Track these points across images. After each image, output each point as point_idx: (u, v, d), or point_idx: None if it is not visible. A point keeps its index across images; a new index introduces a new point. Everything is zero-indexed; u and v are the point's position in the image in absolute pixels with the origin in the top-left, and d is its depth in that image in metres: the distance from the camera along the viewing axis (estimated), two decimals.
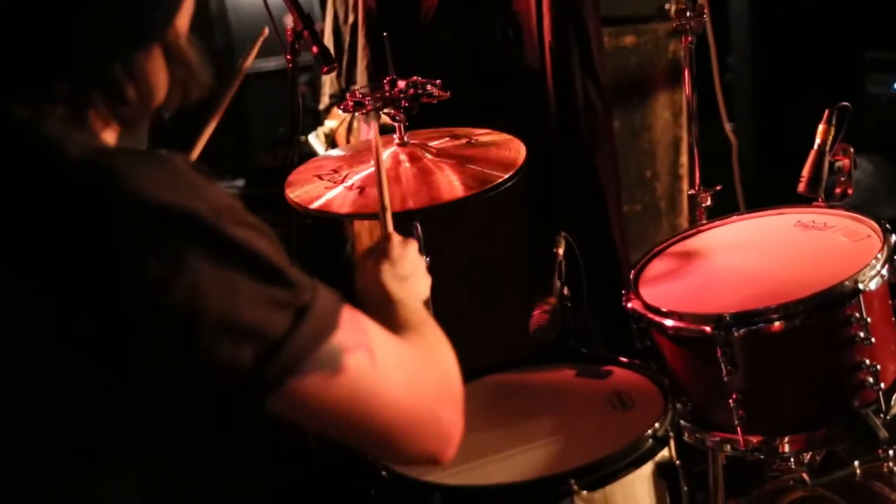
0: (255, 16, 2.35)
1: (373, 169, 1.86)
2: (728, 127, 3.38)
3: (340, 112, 3.00)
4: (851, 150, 2.12)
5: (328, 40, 3.03)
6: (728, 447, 1.87)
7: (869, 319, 1.77)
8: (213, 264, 0.96)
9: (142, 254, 0.94)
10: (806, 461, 1.98)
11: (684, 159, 3.50)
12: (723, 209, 2.37)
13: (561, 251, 2.00)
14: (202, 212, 0.97)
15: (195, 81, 1.13)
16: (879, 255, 1.84)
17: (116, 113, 1.08)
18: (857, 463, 1.97)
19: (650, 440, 1.62)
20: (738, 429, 1.83)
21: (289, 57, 2.20)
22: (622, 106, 3.35)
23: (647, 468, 1.61)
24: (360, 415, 1.06)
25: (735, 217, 2.24)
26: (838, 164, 2.12)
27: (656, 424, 1.64)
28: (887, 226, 1.92)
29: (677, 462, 1.64)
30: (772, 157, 5.06)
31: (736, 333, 1.79)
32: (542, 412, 1.82)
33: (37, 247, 0.96)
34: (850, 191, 2.12)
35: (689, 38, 2.29)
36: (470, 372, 1.52)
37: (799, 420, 1.84)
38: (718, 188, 2.36)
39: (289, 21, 2.20)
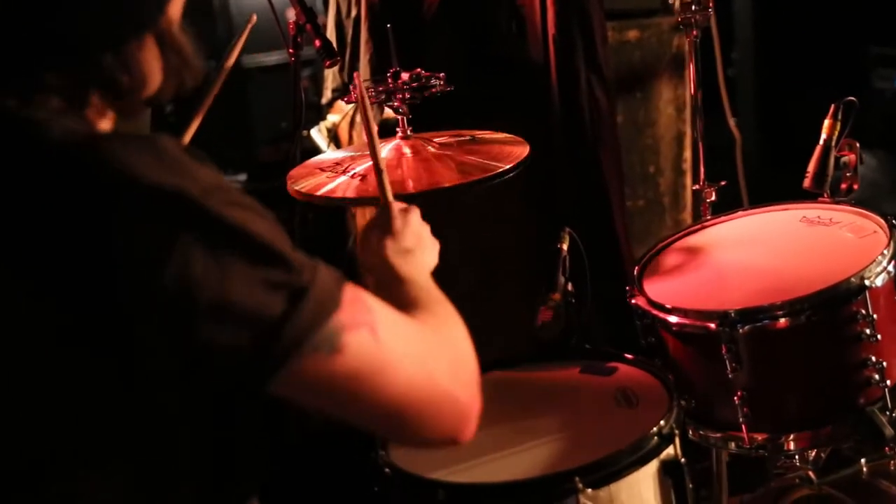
0: (257, 9, 2.32)
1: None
2: (732, 122, 3.36)
3: (343, 106, 3.01)
4: (857, 145, 2.11)
5: (331, 34, 3.01)
6: (733, 444, 1.87)
7: (875, 316, 1.76)
8: (205, 247, 0.94)
9: (130, 237, 0.93)
10: (811, 459, 1.96)
11: (688, 154, 3.48)
12: (726, 204, 2.36)
13: (565, 247, 1.99)
14: (192, 192, 0.95)
15: (189, 69, 1.12)
16: (886, 252, 1.82)
17: (111, 103, 1.07)
18: (863, 461, 1.96)
19: (655, 438, 1.61)
20: (743, 426, 1.82)
21: (291, 51, 2.19)
22: (626, 101, 3.34)
23: (653, 466, 1.60)
24: (368, 396, 1.04)
25: (740, 213, 2.23)
26: (844, 159, 2.10)
27: (661, 422, 1.63)
28: (894, 221, 1.91)
29: (682, 460, 1.63)
30: (775, 153, 5.05)
31: (741, 330, 1.78)
32: (547, 409, 1.81)
33: (23, 235, 0.95)
34: (855, 186, 2.10)
35: (695, 32, 2.27)
36: None
37: (804, 417, 1.83)
38: (723, 183, 2.35)
39: (291, 15, 2.18)
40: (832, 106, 2.09)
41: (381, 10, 2.75)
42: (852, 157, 2.10)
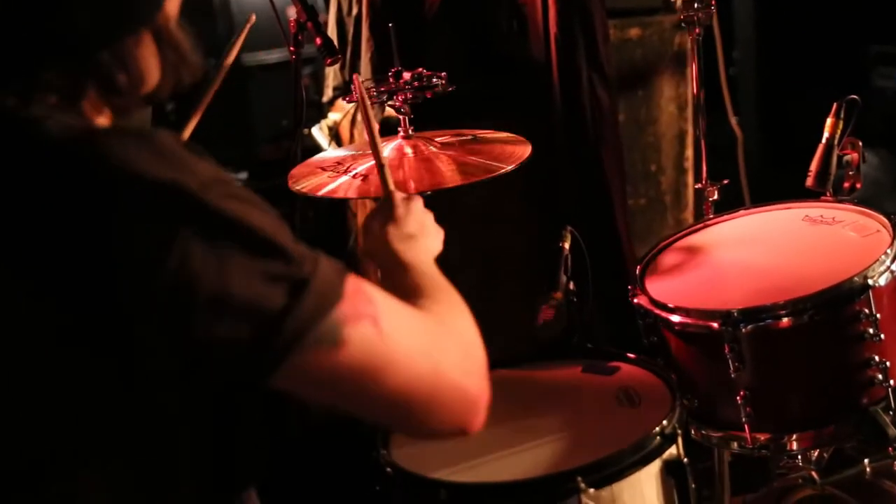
0: (258, 7, 2.33)
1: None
2: (733, 120, 3.35)
3: (344, 104, 3.00)
4: (860, 143, 2.10)
5: (331, 32, 3.01)
6: (735, 444, 1.86)
7: (878, 316, 1.75)
8: (204, 240, 0.93)
9: (129, 233, 0.92)
10: (814, 459, 1.96)
11: (689, 153, 3.48)
12: (728, 203, 2.35)
13: (567, 246, 1.98)
14: (190, 186, 0.94)
15: (187, 66, 1.10)
16: (889, 251, 1.82)
17: (108, 101, 1.06)
18: (866, 461, 1.95)
19: (658, 437, 1.60)
20: (746, 426, 1.81)
21: (292, 49, 2.18)
22: (627, 99, 3.33)
23: (655, 466, 1.59)
24: (372, 389, 1.02)
25: (742, 212, 2.22)
26: (847, 157, 2.10)
27: (664, 422, 1.62)
28: None
29: (685, 460, 1.62)
30: (776, 151, 5.05)
31: (744, 329, 1.77)
32: (549, 409, 1.81)
33: (21, 233, 0.94)
34: (858, 185, 2.10)
35: (697, 30, 2.27)
36: None
37: (807, 417, 1.83)
38: (726, 182, 2.34)
39: (292, 13, 2.18)
40: (835, 104, 2.08)
41: (382, 8, 2.75)
42: (855, 155, 2.09)
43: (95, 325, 0.94)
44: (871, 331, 1.75)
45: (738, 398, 1.80)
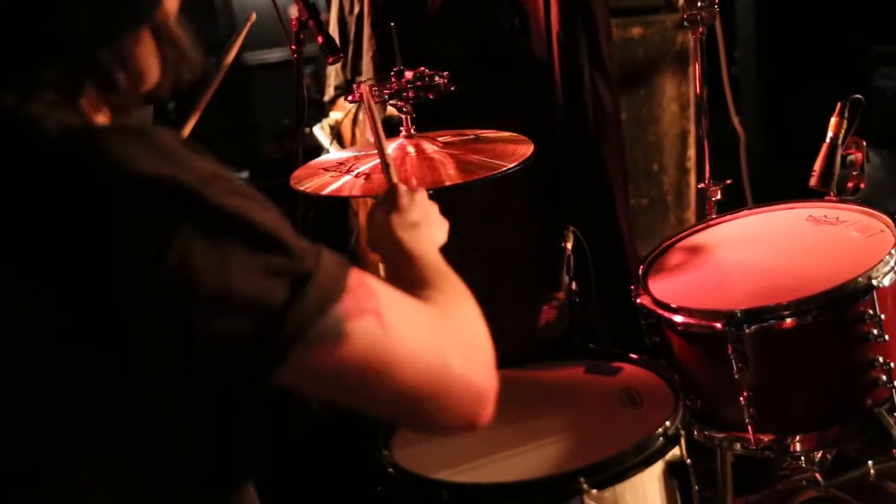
0: (260, 6, 2.32)
1: (378, 160, 1.85)
2: (736, 120, 3.35)
3: (346, 104, 3.00)
4: (864, 143, 2.09)
5: (333, 31, 3.00)
6: (738, 445, 1.86)
7: (882, 316, 1.75)
8: (204, 236, 0.93)
9: (129, 230, 0.91)
10: (817, 460, 1.95)
11: (692, 152, 3.47)
12: (729, 203, 2.34)
13: (569, 245, 1.97)
14: (190, 183, 0.93)
15: (186, 63, 1.10)
16: (893, 251, 1.81)
17: (108, 99, 1.05)
18: (870, 463, 1.95)
19: (661, 438, 1.60)
20: (749, 427, 1.81)
21: (293, 47, 2.17)
22: (629, 98, 3.33)
23: (658, 467, 1.58)
24: (376, 384, 1.01)
25: (745, 211, 2.22)
26: (850, 157, 2.09)
27: (667, 422, 1.62)
28: None
29: (688, 461, 1.61)
30: (777, 151, 5.05)
31: (747, 330, 1.77)
32: (551, 409, 1.80)
33: (20, 232, 0.93)
34: (862, 185, 2.09)
35: (701, 29, 2.26)
36: None
37: (811, 418, 1.82)
38: (729, 182, 2.33)
39: (294, 11, 2.17)
40: (839, 104, 2.08)
41: (384, 6, 2.74)
42: (859, 155, 2.08)
43: (95, 323, 0.93)
44: (875, 331, 1.75)
45: (741, 399, 1.79)
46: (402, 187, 1.42)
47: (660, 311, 1.89)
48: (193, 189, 0.93)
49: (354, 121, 3.05)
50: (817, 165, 2.07)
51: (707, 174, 2.34)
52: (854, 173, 2.09)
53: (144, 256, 0.91)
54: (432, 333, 1.06)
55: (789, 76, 5.10)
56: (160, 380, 0.97)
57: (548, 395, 1.87)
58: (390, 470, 1.63)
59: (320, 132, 3.18)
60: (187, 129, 2.00)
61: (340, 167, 1.87)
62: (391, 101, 1.94)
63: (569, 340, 1.95)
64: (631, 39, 3.34)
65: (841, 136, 2.07)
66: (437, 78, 1.93)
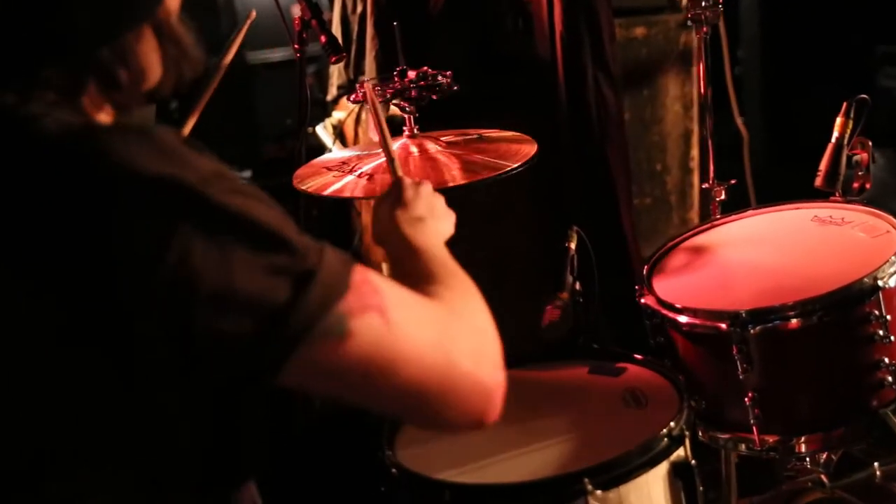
0: (262, 5, 2.32)
1: (381, 160, 1.84)
2: (739, 120, 3.34)
3: (349, 103, 2.99)
4: (870, 143, 2.08)
5: (336, 30, 2.99)
6: (743, 446, 1.85)
7: (888, 317, 1.74)
8: (205, 235, 0.92)
9: (129, 229, 0.91)
10: (822, 461, 1.94)
11: (695, 152, 3.47)
12: (733, 203, 2.34)
13: (573, 245, 1.96)
14: (190, 181, 0.93)
15: (188, 60, 1.09)
16: None
17: (109, 97, 1.05)
18: (876, 464, 1.94)
19: (665, 439, 1.59)
20: (754, 428, 1.80)
21: (296, 47, 2.17)
22: (632, 98, 3.32)
23: (663, 468, 1.57)
24: (382, 381, 1.01)
25: (750, 212, 2.21)
26: (856, 157, 2.08)
27: (671, 423, 1.61)
28: None
29: (693, 462, 1.60)
30: (781, 151, 5.04)
31: (752, 330, 1.76)
32: (555, 410, 1.79)
33: (20, 232, 0.93)
34: (868, 185, 2.08)
35: (705, 29, 2.25)
36: None
37: (816, 419, 1.81)
38: (733, 182, 2.33)
39: (296, 10, 2.16)
40: (844, 104, 2.07)
41: (387, 6, 2.73)
42: (864, 155, 2.07)
43: (95, 322, 0.93)
44: (881, 332, 1.74)
45: (746, 400, 1.78)
46: (407, 180, 1.40)
47: (664, 312, 1.88)
48: (194, 188, 0.93)
49: (357, 120, 3.05)
50: (823, 165, 2.06)
51: (711, 174, 2.33)
52: (860, 173, 2.08)
53: (145, 255, 0.91)
54: (438, 330, 1.05)
55: (793, 76, 5.09)
56: (160, 379, 0.96)
57: (551, 395, 1.86)
58: (393, 470, 1.62)
59: (323, 132, 3.17)
60: (188, 128, 1.99)
61: (343, 167, 1.86)
62: (394, 101, 1.93)
63: (572, 341, 1.94)
64: (634, 39, 3.34)
65: (846, 136, 2.06)
66: (440, 78, 1.92)
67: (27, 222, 0.93)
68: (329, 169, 1.87)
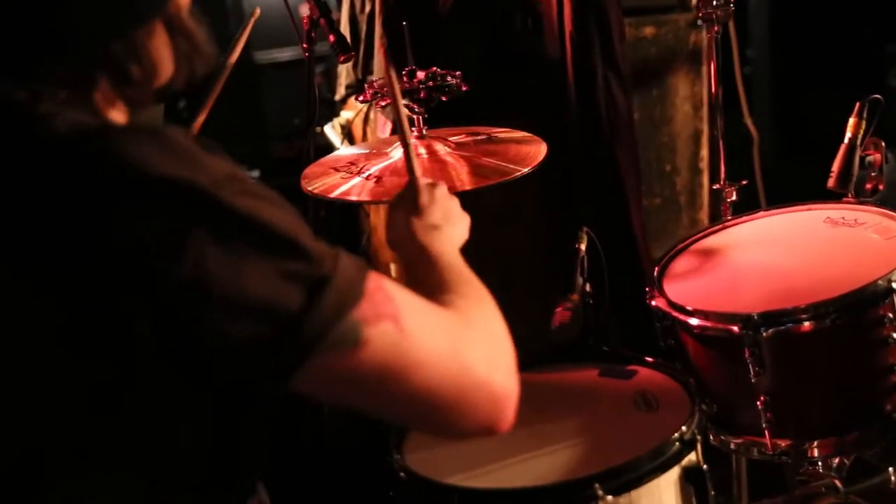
0: (271, 4, 2.32)
1: (390, 161, 1.83)
2: (749, 120, 3.32)
3: (357, 103, 2.98)
4: (882, 144, 2.07)
5: (344, 30, 2.98)
6: (755, 451, 1.83)
7: None
8: (218, 239, 0.91)
9: (140, 232, 0.90)
10: (834, 466, 1.92)
11: (705, 153, 3.45)
12: (742, 203, 2.32)
13: (583, 246, 1.95)
14: (203, 184, 0.92)
15: (200, 55, 1.09)
16: None
17: (123, 93, 1.04)
18: (891, 469, 1.92)
19: (677, 443, 1.57)
20: (766, 432, 1.78)
21: (305, 46, 2.16)
22: (642, 98, 3.31)
23: (674, 473, 1.56)
24: (395, 390, 1.00)
25: (762, 213, 2.19)
26: (869, 158, 2.06)
27: (683, 427, 1.59)
28: None
29: (705, 466, 1.59)
30: (790, 151, 5.03)
31: (764, 333, 1.74)
32: (565, 413, 1.78)
33: (29, 232, 0.92)
34: (881, 186, 2.07)
35: (716, 28, 2.23)
36: None
37: (829, 423, 1.80)
38: (744, 183, 2.31)
39: (305, 10, 2.16)
40: (857, 104, 2.05)
41: (395, 5, 2.72)
42: (877, 156, 2.06)
43: (103, 325, 0.92)
44: (895, 336, 1.72)
45: (758, 403, 1.77)
46: (422, 182, 1.38)
47: (675, 314, 1.86)
48: (207, 191, 0.92)
49: (366, 120, 3.04)
50: (835, 166, 2.04)
51: (722, 175, 2.31)
52: (872, 174, 2.06)
53: (157, 260, 0.90)
54: (452, 338, 1.04)
55: (802, 76, 5.07)
56: (165, 381, 0.96)
57: (562, 398, 1.84)
58: (402, 474, 1.61)
59: (331, 131, 3.16)
60: (197, 127, 1.98)
61: (351, 167, 1.85)
62: (402, 102, 1.91)
63: (583, 342, 1.93)
64: (644, 39, 3.33)
65: (859, 136, 2.04)
66: (449, 78, 1.90)
67: (38, 223, 0.92)
68: (337, 169, 1.85)
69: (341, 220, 3.20)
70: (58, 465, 0.98)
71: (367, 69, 2.92)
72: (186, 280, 0.90)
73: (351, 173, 1.83)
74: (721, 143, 2.34)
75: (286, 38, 2.66)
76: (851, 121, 2.04)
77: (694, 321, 1.83)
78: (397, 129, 1.82)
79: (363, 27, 2.91)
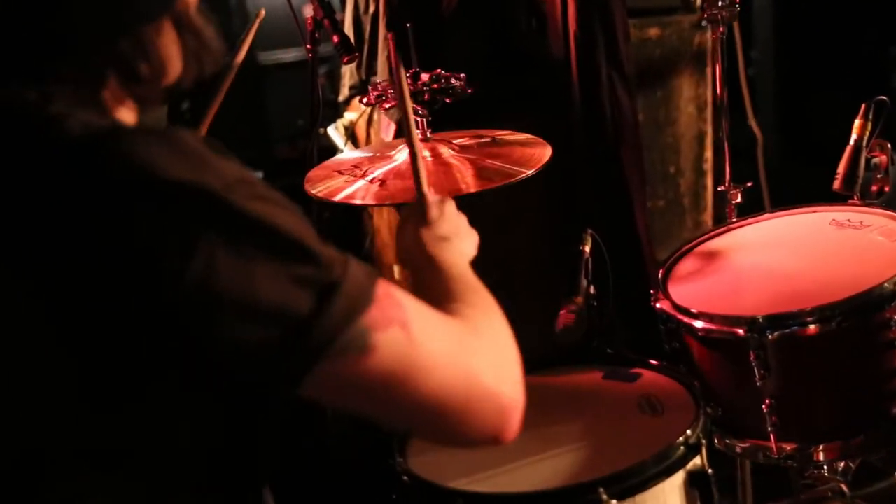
0: (275, 5, 2.32)
1: (394, 164, 1.82)
2: (753, 122, 3.31)
3: (361, 104, 2.98)
4: (888, 145, 2.06)
5: (348, 30, 2.98)
6: (760, 454, 1.82)
7: None
8: (228, 243, 0.91)
9: (150, 236, 0.90)
10: (839, 470, 1.91)
11: (709, 154, 3.44)
12: (747, 205, 2.31)
13: (587, 248, 1.94)
14: (214, 187, 0.91)
15: (208, 53, 1.09)
16: None
17: (132, 91, 1.04)
18: None
19: (682, 447, 1.56)
20: (772, 435, 1.77)
21: (308, 47, 2.15)
22: (646, 99, 3.29)
23: (679, 477, 1.55)
24: (402, 397, 1.00)
25: (767, 215, 2.18)
26: (875, 160, 2.05)
27: (688, 431, 1.58)
28: None
29: (710, 470, 1.58)
30: (794, 153, 5.01)
31: (770, 336, 1.73)
32: (569, 416, 1.77)
33: (39, 235, 0.92)
34: (887, 188, 2.05)
35: (721, 29, 2.22)
36: None
37: (834, 427, 1.79)
38: (749, 184, 2.30)
39: (308, 10, 2.15)
40: (863, 105, 2.04)
41: (399, 6, 2.72)
42: (884, 157, 2.05)
43: (111, 327, 0.92)
44: None
45: (763, 407, 1.76)
46: (432, 198, 1.40)
47: (680, 317, 1.85)
48: (218, 194, 0.91)
49: (369, 121, 3.03)
50: (841, 168, 2.03)
51: (727, 177, 2.30)
52: (878, 176, 2.05)
53: (168, 263, 0.90)
54: (459, 346, 1.04)
55: (807, 77, 5.06)
56: (169, 384, 0.95)
57: (566, 401, 1.83)
58: (405, 478, 1.60)
59: (335, 133, 3.16)
60: (204, 128, 1.98)
61: (355, 170, 1.84)
62: (411, 106, 1.91)
63: (587, 345, 1.92)
64: (648, 40, 3.31)
65: (865, 138, 2.03)
66: (453, 80, 1.90)
67: (49, 225, 0.92)
68: (341, 172, 1.85)
69: (345, 222, 3.19)
70: (58, 465, 0.98)
71: (371, 70, 2.91)
72: (196, 283, 0.90)
73: (355, 176, 1.82)
74: (726, 145, 2.33)
75: (290, 38, 2.66)
76: (857, 122, 2.03)
77: (699, 324, 1.82)
78: (402, 132, 1.81)
79: (367, 28, 2.90)
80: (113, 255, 0.90)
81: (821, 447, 1.79)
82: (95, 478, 0.98)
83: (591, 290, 1.91)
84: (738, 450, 1.86)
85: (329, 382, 0.96)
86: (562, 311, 1.83)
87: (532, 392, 1.84)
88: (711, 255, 2.06)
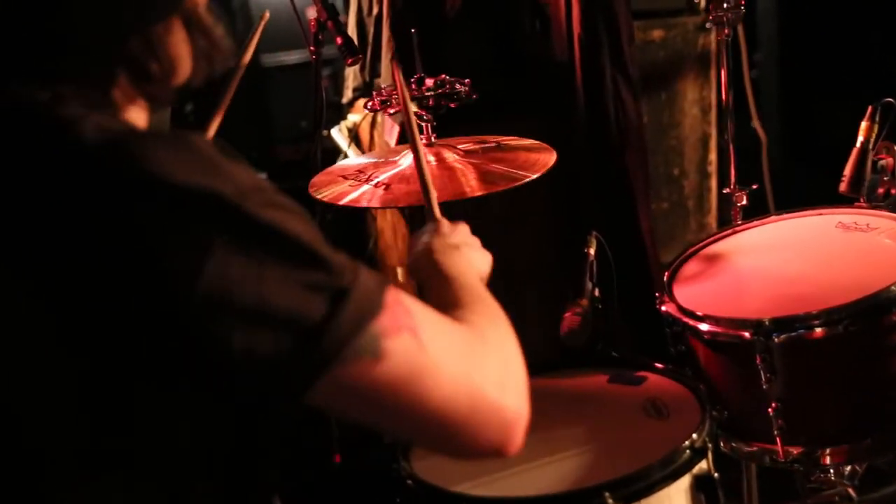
0: (278, 7, 2.32)
1: (398, 169, 1.82)
2: (758, 124, 3.30)
3: (366, 109, 2.98)
4: (895, 147, 2.04)
5: (352, 33, 2.97)
6: (767, 458, 1.81)
7: None
8: (241, 249, 0.91)
9: (162, 241, 0.90)
10: (846, 474, 1.90)
11: (713, 156, 3.43)
12: (751, 207, 2.30)
13: (592, 251, 1.93)
14: (227, 193, 0.91)
15: (218, 51, 1.09)
16: None
17: (143, 90, 1.04)
18: None
19: (688, 451, 1.55)
20: (778, 439, 1.76)
21: (312, 48, 2.15)
22: (650, 101, 3.29)
23: (685, 481, 1.54)
24: (409, 405, 0.99)
25: (773, 217, 2.17)
26: (881, 162, 2.04)
27: (694, 435, 1.57)
28: None
29: (716, 474, 1.57)
30: (798, 155, 5.00)
31: (776, 339, 1.72)
32: (574, 420, 1.76)
33: (51, 238, 0.92)
34: (893, 190, 2.05)
35: (727, 31, 2.21)
36: None
37: (841, 430, 1.78)
38: (755, 187, 2.29)
39: (312, 12, 2.15)
40: (869, 108, 2.03)
41: (403, 7, 2.71)
42: (890, 160, 2.04)
43: (119, 331, 0.91)
44: None
45: (769, 410, 1.75)
46: (446, 222, 1.41)
47: (685, 320, 1.85)
48: (231, 201, 0.91)
49: (373, 123, 3.03)
50: (847, 170, 2.02)
51: (732, 179, 2.29)
52: (885, 178, 2.04)
53: (180, 268, 0.89)
54: (467, 356, 1.04)
55: (811, 79, 5.05)
56: (174, 387, 0.95)
57: (571, 404, 1.82)
58: (409, 482, 1.59)
59: (338, 134, 3.16)
60: (211, 132, 1.98)
61: (360, 175, 1.84)
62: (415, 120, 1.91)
63: (592, 348, 1.91)
64: (652, 42, 3.31)
65: (871, 140, 2.02)
66: (458, 86, 1.90)
67: (61, 228, 0.91)
68: (345, 177, 1.85)
69: (348, 224, 3.19)
70: (58, 466, 0.97)
71: (374, 72, 2.91)
72: (208, 288, 0.89)
73: (359, 181, 1.82)
74: (731, 147, 2.32)
75: (293, 40, 2.65)
76: (864, 124, 2.02)
77: (704, 327, 1.81)
78: (405, 137, 1.81)
79: (370, 30, 2.90)
80: (125, 259, 0.90)
81: (827, 451, 1.78)
82: (96, 479, 0.98)
83: (596, 293, 1.90)
84: (745, 453, 1.85)
85: (338, 389, 0.96)
86: (566, 315, 1.83)
87: (537, 395, 1.83)
88: (716, 258, 2.05)
